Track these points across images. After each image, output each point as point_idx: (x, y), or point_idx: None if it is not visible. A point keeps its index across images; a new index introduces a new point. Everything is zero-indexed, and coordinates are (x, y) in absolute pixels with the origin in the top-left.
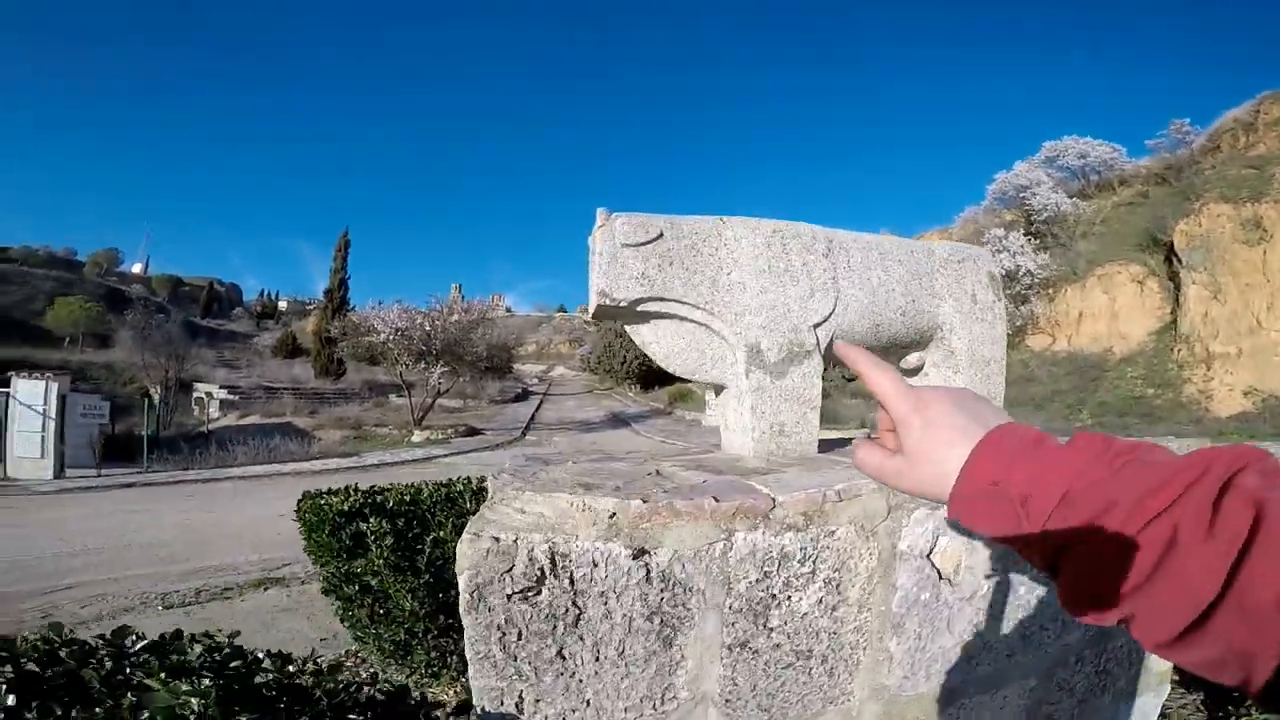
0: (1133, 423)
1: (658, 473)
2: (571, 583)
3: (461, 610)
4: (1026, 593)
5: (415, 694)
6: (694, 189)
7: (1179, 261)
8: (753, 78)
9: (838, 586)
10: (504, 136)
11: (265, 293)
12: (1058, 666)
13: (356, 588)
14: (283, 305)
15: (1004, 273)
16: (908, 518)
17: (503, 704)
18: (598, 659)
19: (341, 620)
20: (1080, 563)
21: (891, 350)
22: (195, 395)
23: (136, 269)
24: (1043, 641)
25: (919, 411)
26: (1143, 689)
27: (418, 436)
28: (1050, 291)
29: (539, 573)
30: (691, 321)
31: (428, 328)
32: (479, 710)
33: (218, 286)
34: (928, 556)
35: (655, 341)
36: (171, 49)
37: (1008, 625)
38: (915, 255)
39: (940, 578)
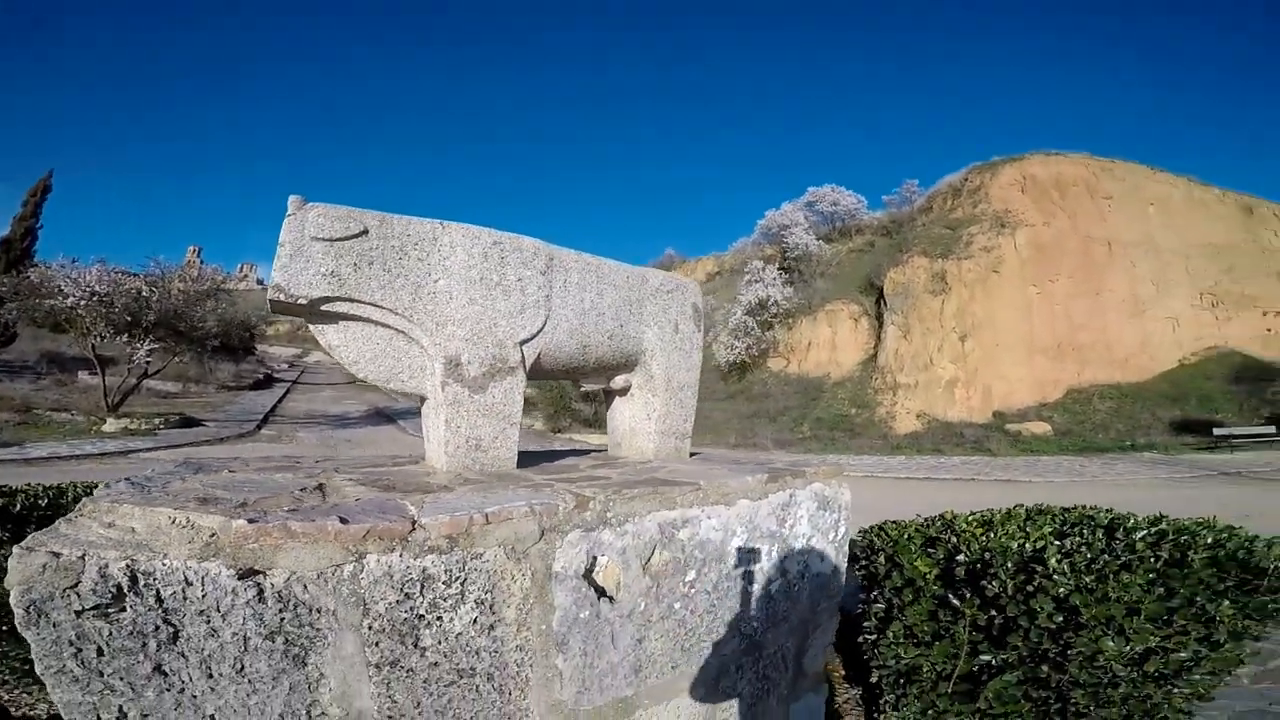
0: (839, 436)
1: (321, 487)
2: (159, 601)
3: (19, 626)
4: (682, 608)
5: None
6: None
7: (885, 304)
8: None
9: (491, 607)
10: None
11: None
12: (721, 676)
13: None
14: None
15: (757, 302)
16: (561, 539)
17: (99, 718)
18: (211, 676)
19: None
20: None
21: (598, 371)
22: None
23: None
24: (703, 653)
25: None
26: (803, 691)
27: (111, 425)
28: (790, 321)
29: (114, 590)
30: (387, 327)
31: (141, 294)
32: None
33: None
34: (584, 576)
35: (343, 345)
36: None
37: (668, 639)
38: (630, 281)
39: (600, 596)
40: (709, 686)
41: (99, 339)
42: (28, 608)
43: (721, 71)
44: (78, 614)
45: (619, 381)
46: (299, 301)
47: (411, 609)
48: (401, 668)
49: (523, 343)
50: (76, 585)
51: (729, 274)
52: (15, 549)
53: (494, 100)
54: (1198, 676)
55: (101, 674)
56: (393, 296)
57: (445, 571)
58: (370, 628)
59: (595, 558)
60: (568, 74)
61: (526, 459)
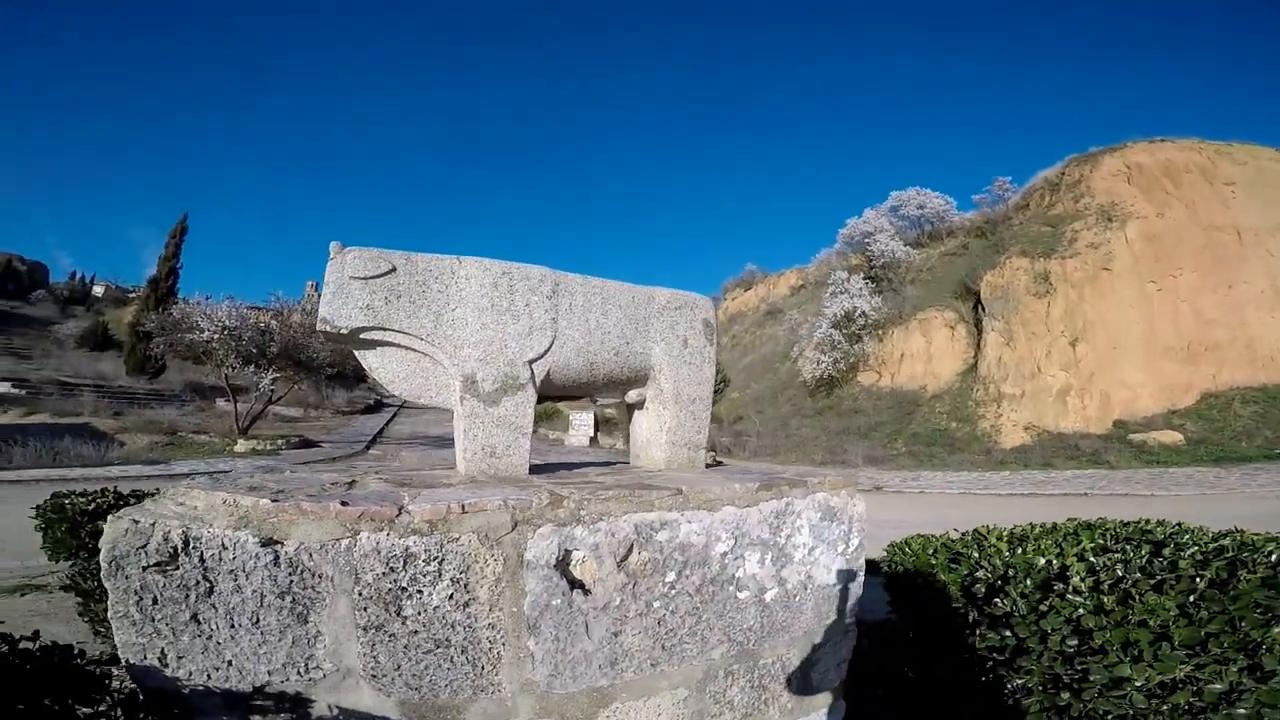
0: (938, 452)
1: (352, 483)
2: (202, 561)
3: (103, 577)
4: (661, 607)
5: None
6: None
7: (983, 310)
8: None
9: (466, 586)
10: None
11: (79, 276)
12: (708, 680)
13: (96, 583)
14: (98, 290)
15: (843, 313)
16: (533, 531)
17: (146, 658)
18: (233, 626)
19: (80, 615)
20: None
21: (610, 386)
22: None
23: None
24: (686, 654)
25: None
26: (814, 706)
27: (241, 446)
28: (880, 332)
29: (171, 550)
30: (415, 351)
31: (262, 328)
32: (124, 662)
33: (17, 264)
34: (556, 566)
35: (380, 367)
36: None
37: (646, 636)
38: (636, 301)
39: (573, 587)
40: (694, 689)
41: (230, 369)
42: (110, 562)
43: (789, 76)
44: (144, 569)
45: (633, 396)
46: (341, 331)
47: (395, 581)
48: (385, 632)
49: (531, 361)
50: (145, 545)
51: (813, 286)
52: (109, 517)
53: (550, 117)
54: (1242, 712)
55: (153, 619)
56: (417, 324)
57: (425, 551)
58: (360, 594)
59: (568, 551)
60: (628, 79)
61: (547, 467)
